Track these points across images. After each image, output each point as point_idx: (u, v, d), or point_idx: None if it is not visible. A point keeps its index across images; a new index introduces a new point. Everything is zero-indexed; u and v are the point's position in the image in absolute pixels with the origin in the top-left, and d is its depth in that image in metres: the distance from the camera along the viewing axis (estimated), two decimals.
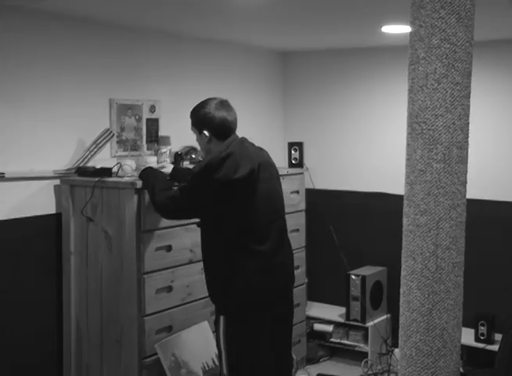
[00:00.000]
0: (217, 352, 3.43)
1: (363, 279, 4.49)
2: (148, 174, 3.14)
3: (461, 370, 4.14)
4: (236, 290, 2.80)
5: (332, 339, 4.65)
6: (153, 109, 4.00)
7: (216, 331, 2.89)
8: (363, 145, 4.84)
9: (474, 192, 4.13)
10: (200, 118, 2.95)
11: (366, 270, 4.62)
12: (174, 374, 3.21)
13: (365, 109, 4.82)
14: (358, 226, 4.86)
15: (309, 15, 3.52)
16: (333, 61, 4.94)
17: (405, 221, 1.71)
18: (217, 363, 3.41)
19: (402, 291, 1.73)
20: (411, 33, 1.63)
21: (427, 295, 1.66)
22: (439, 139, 1.60)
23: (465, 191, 1.68)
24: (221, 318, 2.85)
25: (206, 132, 2.92)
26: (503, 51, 4.26)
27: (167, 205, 2.92)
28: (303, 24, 3.82)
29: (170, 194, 2.93)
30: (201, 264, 3.44)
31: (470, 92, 1.63)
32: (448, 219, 1.64)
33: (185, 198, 2.84)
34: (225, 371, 2.85)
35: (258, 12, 3.44)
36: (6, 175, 3.22)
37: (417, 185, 1.64)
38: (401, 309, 1.75)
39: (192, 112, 3.02)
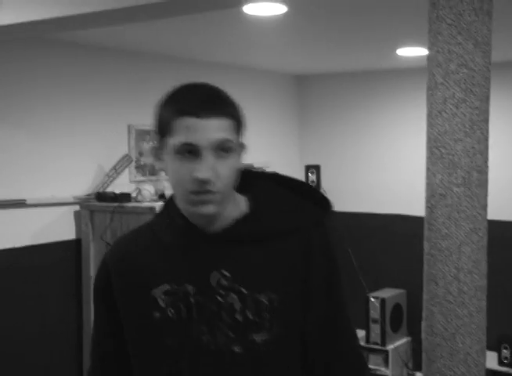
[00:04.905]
0: None
1: (383, 301, 4.46)
2: None
3: None
4: None
5: None
6: None
7: None
8: (380, 167, 4.84)
9: (495, 213, 4.07)
10: None
11: (386, 292, 4.60)
12: None
13: (381, 131, 4.83)
14: (376, 248, 4.85)
15: (324, 38, 3.56)
16: (348, 84, 4.97)
17: (426, 245, 1.70)
18: None
19: (424, 315, 1.72)
20: (428, 58, 1.64)
21: (449, 320, 1.65)
22: (459, 163, 1.61)
23: (486, 214, 1.68)
24: None
25: None
26: None
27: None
28: (318, 47, 3.85)
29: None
30: None
31: (488, 117, 1.64)
32: (469, 243, 1.64)
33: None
34: None
35: (273, 36, 3.48)
36: (27, 201, 3.26)
37: (438, 209, 1.64)
38: (423, 334, 1.74)
39: None
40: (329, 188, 4.80)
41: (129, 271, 1.38)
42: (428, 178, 1.68)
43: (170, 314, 1.32)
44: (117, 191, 3.52)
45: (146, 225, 1.44)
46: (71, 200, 3.48)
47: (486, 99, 1.63)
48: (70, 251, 3.48)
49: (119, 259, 1.40)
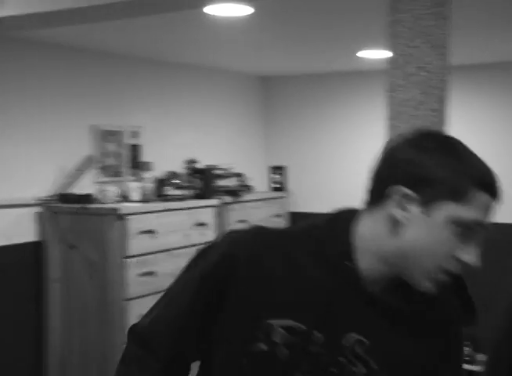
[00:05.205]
0: None
1: None
2: None
3: None
4: None
5: None
6: (135, 135, 4.02)
7: None
8: (343, 168, 4.88)
9: None
10: None
11: None
12: None
13: (342, 132, 4.88)
14: None
15: (288, 40, 3.58)
16: (312, 85, 5.00)
17: None
18: None
19: None
20: (388, 61, 1.67)
21: None
22: None
23: None
24: None
25: None
26: (481, 75, 4.35)
27: None
28: (282, 49, 3.87)
29: None
30: None
31: (446, 118, 1.67)
32: None
33: None
34: None
35: (238, 37, 3.49)
36: None
37: None
38: None
39: None
40: (294, 189, 4.83)
41: (254, 283, 1.16)
42: None
43: (279, 353, 1.14)
44: (80, 192, 3.48)
45: (294, 238, 1.22)
46: (32, 201, 3.43)
47: (444, 101, 1.67)
48: (31, 253, 3.43)
49: (251, 261, 1.17)
